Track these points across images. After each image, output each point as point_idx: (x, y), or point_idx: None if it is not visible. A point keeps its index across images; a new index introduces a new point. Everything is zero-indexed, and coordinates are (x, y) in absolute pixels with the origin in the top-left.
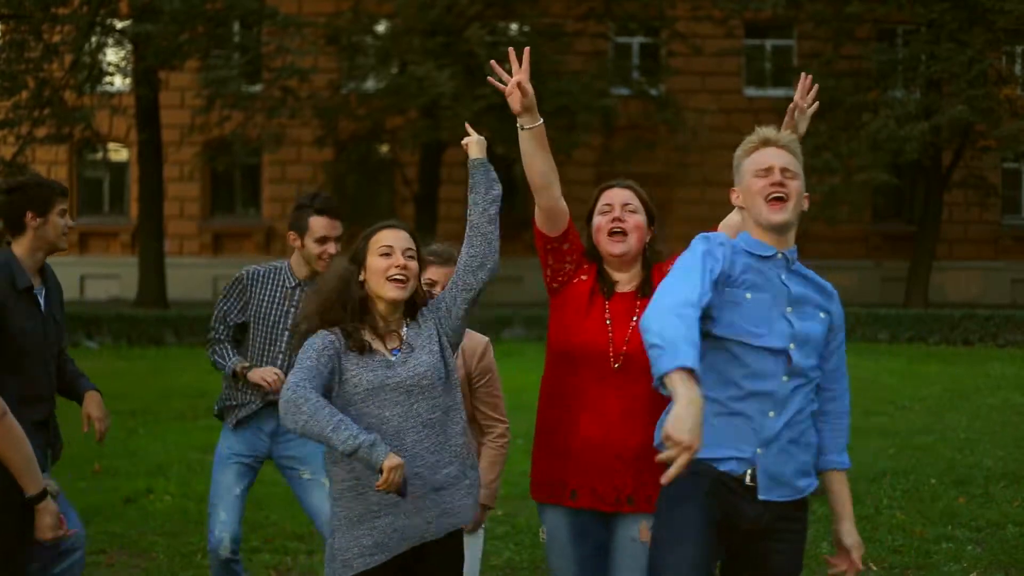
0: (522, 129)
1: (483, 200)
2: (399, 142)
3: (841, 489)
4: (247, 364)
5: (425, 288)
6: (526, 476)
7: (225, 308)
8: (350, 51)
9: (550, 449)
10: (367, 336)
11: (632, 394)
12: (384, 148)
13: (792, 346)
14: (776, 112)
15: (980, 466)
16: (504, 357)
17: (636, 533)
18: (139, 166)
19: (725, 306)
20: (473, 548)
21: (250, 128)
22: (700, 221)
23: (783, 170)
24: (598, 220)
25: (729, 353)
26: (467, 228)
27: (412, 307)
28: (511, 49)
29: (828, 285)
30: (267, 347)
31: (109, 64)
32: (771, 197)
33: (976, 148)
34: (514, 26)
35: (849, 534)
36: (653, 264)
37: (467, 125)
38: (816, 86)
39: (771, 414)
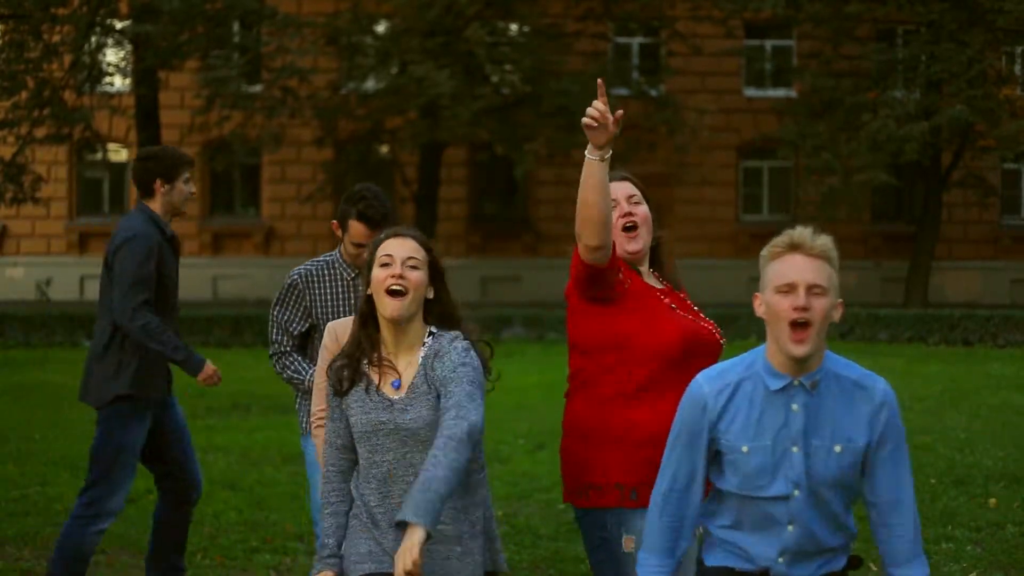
0: (600, 160)
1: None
2: (399, 142)
3: None
4: None
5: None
6: (526, 476)
7: (284, 318)
8: (350, 51)
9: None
10: (370, 370)
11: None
12: (384, 148)
13: (796, 492)
14: (775, 112)
15: (980, 466)
16: (504, 357)
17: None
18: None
19: (726, 465)
20: None
21: (250, 128)
22: (700, 221)
23: (810, 288)
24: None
25: (739, 499)
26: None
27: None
28: (600, 81)
29: (873, 388)
30: None
31: (109, 64)
32: (793, 323)
33: (976, 148)
34: (514, 26)
35: None
36: (662, 254)
37: None
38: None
39: (780, 560)
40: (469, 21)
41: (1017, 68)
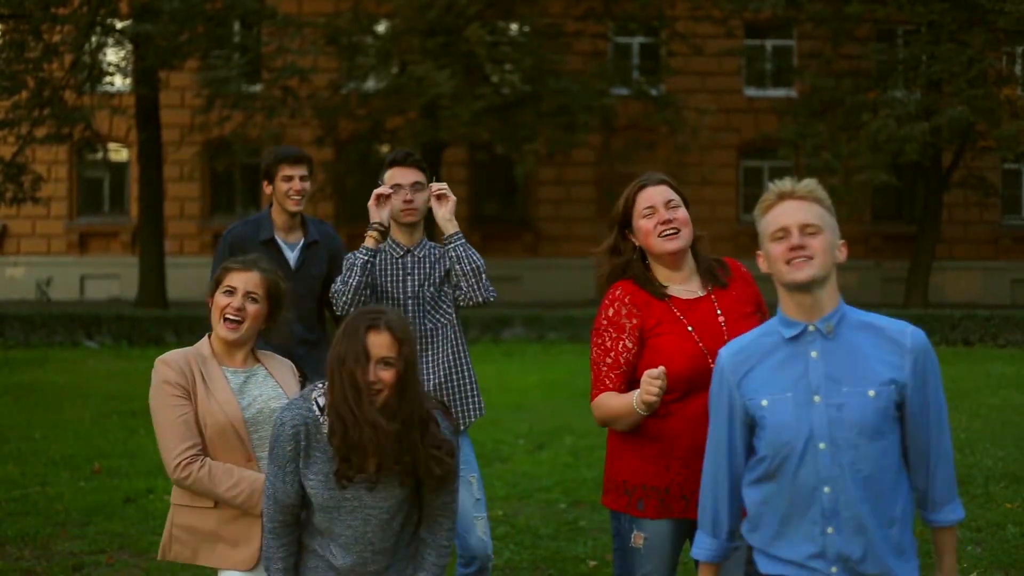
0: (641, 414)
1: None
2: (399, 142)
3: (939, 545)
4: None
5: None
6: (526, 476)
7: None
8: (350, 51)
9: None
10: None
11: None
12: (384, 148)
13: (822, 446)
14: (775, 112)
15: (980, 466)
16: (504, 357)
17: None
18: (139, 166)
19: (757, 432)
20: None
21: (250, 128)
22: (700, 221)
23: (803, 227)
24: (644, 224)
25: (775, 484)
26: None
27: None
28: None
29: (901, 334)
30: None
31: (109, 64)
32: (790, 262)
33: (976, 148)
34: (514, 26)
35: None
36: (709, 258)
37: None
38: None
39: (829, 530)
40: (469, 21)
41: (1017, 68)
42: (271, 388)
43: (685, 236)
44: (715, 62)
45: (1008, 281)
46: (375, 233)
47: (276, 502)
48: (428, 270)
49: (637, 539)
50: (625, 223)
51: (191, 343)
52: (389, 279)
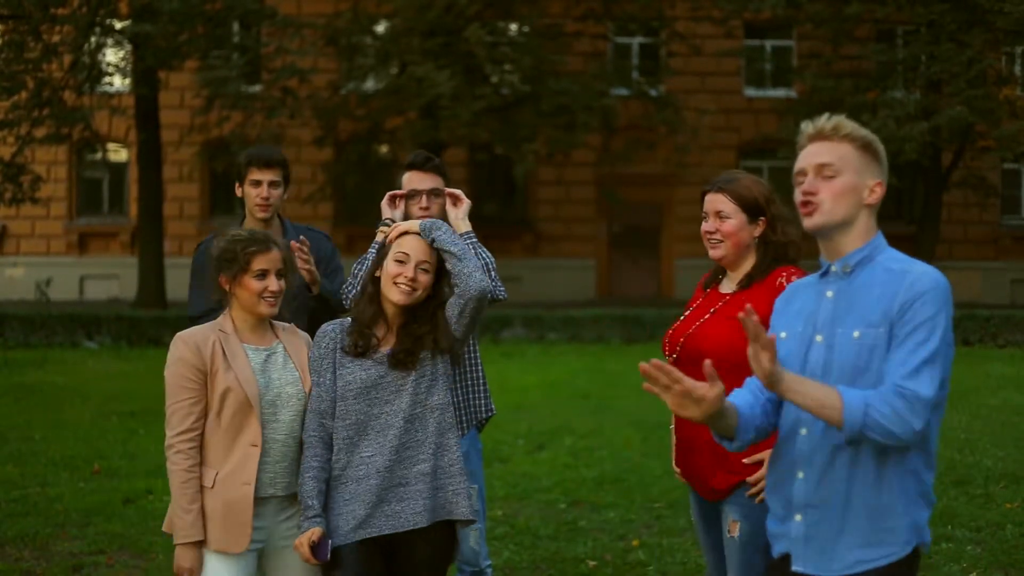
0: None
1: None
2: (398, 142)
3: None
4: None
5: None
6: (526, 477)
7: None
8: (349, 51)
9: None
10: (372, 338)
11: None
12: (383, 148)
13: None
14: (775, 112)
15: (980, 466)
16: (504, 357)
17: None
18: (138, 166)
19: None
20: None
21: (249, 128)
22: (700, 221)
23: (819, 167)
24: (702, 226)
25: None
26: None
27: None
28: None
29: (905, 275)
30: None
31: (108, 64)
32: (805, 206)
33: (976, 148)
34: (513, 26)
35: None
36: (774, 257)
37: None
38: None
39: (799, 474)
40: (469, 21)
41: (1017, 68)
42: (290, 372)
43: (728, 247)
44: (715, 62)
45: (1008, 281)
46: (386, 228)
47: (318, 414)
48: None
49: (733, 527)
50: None
51: None
52: None
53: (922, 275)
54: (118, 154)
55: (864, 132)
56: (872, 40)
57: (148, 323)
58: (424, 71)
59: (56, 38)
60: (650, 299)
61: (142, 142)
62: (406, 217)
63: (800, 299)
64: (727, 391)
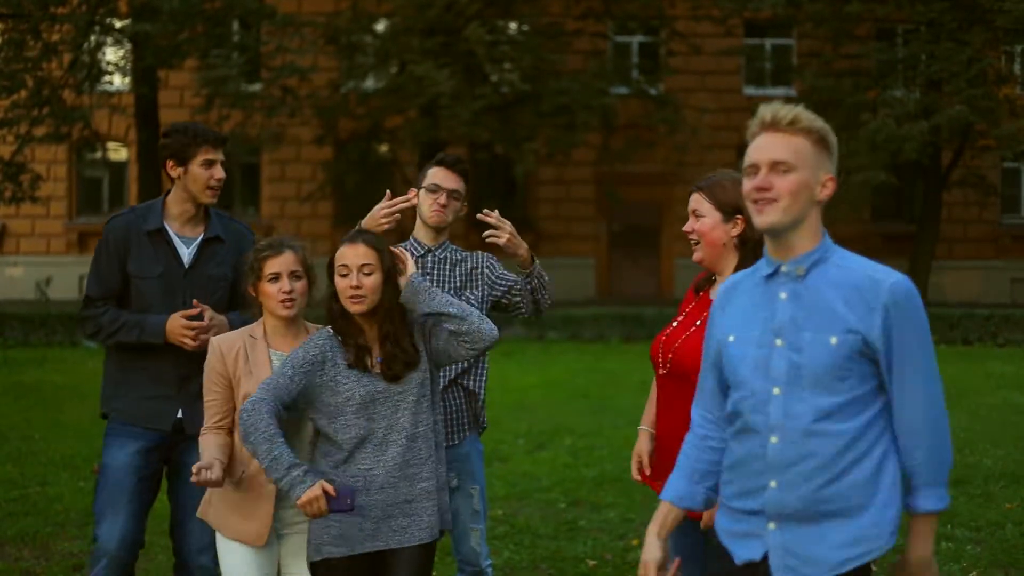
0: None
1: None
2: (398, 141)
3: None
4: None
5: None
6: (526, 477)
7: None
8: (349, 50)
9: None
10: (365, 351)
11: (680, 397)
12: (383, 147)
13: (776, 391)
14: None
15: (980, 466)
16: (504, 357)
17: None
18: (138, 165)
19: (724, 366)
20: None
21: (249, 127)
22: None
23: (773, 165)
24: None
25: (736, 427)
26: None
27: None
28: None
29: (875, 283)
30: None
31: (108, 63)
32: (756, 202)
33: (975, 148)
34: (513, 25)
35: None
36: (755, 257)
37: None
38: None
39: (772, 483)
40: (469, 20)
41: (1017, 67)
42: None
43: (703, 248)
44: (714, 61)
45: (1007, 280)
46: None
47: (271, 391)
48: (448, 272)
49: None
50: None
51: None
52: None
53: (897, 284)
54: (118, 153)
55: (820, 124)
56: (872, 39)
57: None
58: (424, 70)
59: (56, 37)
60: (650, 298)
61: (142, 141)
62: (420, 212)
63: (744, 298)
64: None
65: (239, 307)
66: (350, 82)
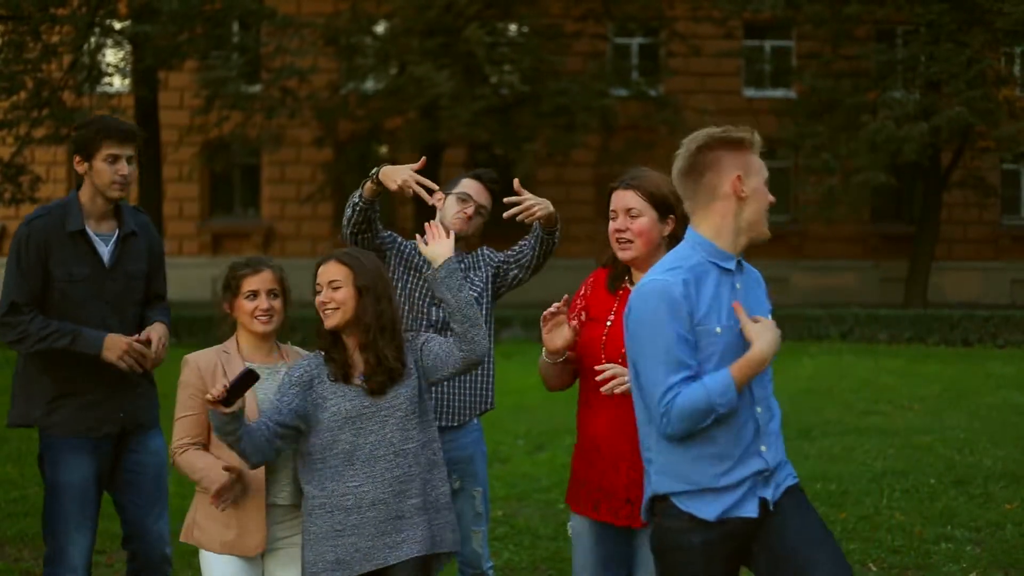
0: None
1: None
2: (398, 143)
3: None
4: None
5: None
6: (526, 477)
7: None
8: (349, 51)
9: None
10: (346, 364)
11: (615, 400)
12: (383, 149)
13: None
14: (774, 113)
15: (980, 466)
16: (503, 358)
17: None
18: (138, 166)
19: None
20: None
21: (249, 128)
22: None
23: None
24: (609, 226)
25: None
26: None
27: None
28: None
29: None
30: (414, 327)
31: (108, 64)
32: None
33: (975, 149)
34: (513, 26)
35: None
36: None
37: None
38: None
39: (763, 448)
40: (468, 21)
41: (1016, 69)
42: None
43: (638, 247)
44: (714, 63)
45: (1007, 281)
46: (373, 185)
47: (276, 422)
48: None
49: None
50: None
51: (190, 343)
52: (424, 283)
53: (636, 288)
54: None
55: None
56: (871, 40)
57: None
58: (423, 71)
59: (55, 38)
60: None
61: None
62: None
63: (710, 286)
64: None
65: (153, 300)
66: (350, 83)
